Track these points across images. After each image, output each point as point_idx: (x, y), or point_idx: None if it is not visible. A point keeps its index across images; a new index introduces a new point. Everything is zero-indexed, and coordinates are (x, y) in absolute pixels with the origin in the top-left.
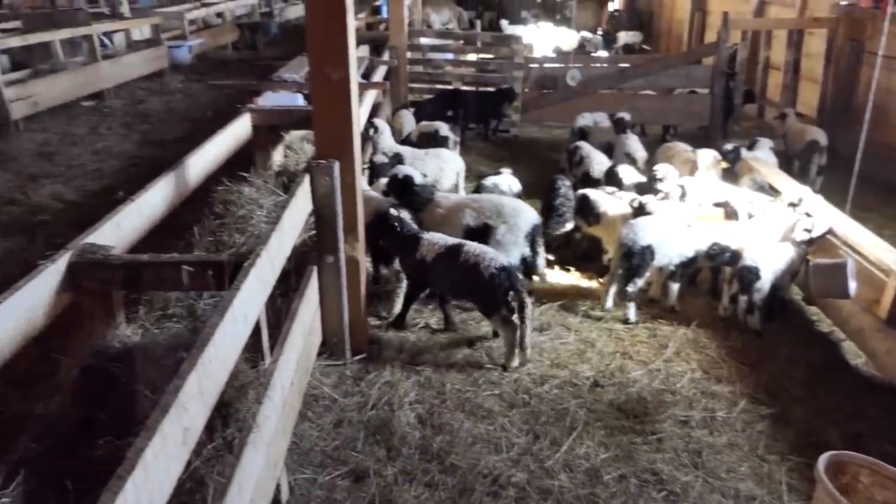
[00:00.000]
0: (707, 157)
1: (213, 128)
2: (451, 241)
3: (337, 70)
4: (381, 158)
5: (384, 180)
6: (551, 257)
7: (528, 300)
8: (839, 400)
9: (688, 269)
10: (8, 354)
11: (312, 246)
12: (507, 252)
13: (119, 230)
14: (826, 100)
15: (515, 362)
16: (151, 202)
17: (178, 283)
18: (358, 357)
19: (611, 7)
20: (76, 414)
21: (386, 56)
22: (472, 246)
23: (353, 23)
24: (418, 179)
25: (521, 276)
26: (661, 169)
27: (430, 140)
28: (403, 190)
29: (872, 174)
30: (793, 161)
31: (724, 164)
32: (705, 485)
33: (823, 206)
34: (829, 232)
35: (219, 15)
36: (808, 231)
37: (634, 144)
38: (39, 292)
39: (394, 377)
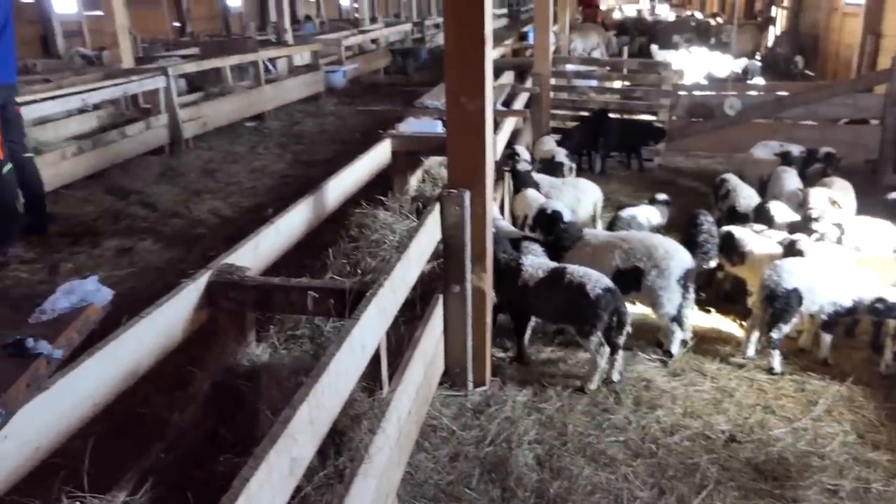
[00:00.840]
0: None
1: (359, 149)
2: (552, 264)
3: (472, 101)
4: (524, 166)
5: (531, 194)
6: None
7: (629, 323)
8: None
9: (844, 319)
10: (146, 367)
11: (440, 274)
12: (658, 298)
13: (257, 251)
14: None
15: (594, 385)
16: (290, 224)
17: (304, 307)
18: (479, 389)
19: (772, 30)
20: (205, 427)
21: (529, 83)
22: (576, 267)
23: (490, 53)
24: (567, 216)
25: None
26: (817, 207)
27: (549, 165)
28: (551, 226)
29: None
30: None
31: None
32: None
33: None
34: None
35: (373, 41)
36: None
37: (790, 179)
38: (180, 309)
39: (514, 413)
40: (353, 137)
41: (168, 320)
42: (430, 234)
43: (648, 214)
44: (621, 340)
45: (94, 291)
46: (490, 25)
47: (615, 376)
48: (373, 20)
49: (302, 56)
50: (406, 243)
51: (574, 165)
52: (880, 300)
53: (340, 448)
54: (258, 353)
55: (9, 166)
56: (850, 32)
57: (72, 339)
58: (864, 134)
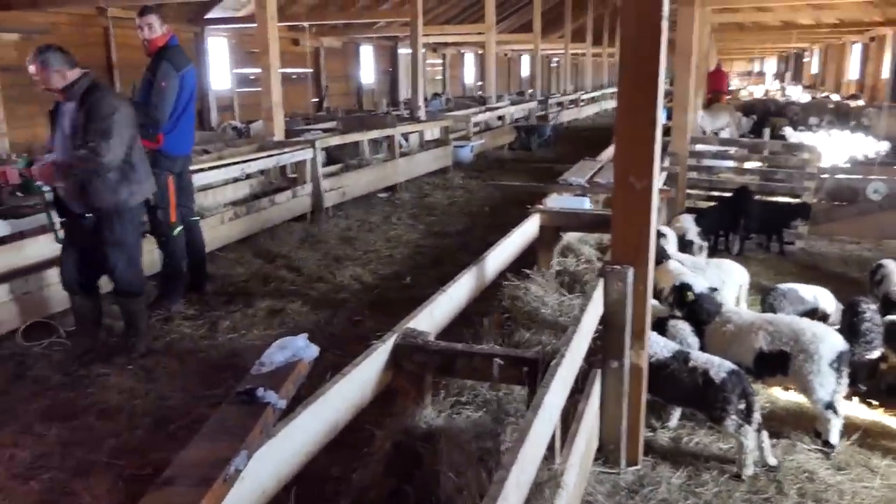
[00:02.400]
0: None
1: (488, 222)
2: (676, 346)
3: (640, 180)
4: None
5: (674, 267)
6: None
7: (758, 405)
8: None
9: None
10: (343, 422)
11: (597, 349)
12: (809, 384)
13: (432, 318)
14: None
15: (750, 471)
16: (459, 293)
17: (488, 374)
18: (632, 468)
19: None
20: (387, 485)
21: (667, 162)
22: (698, 353)
23: (660, 135)
24: (698, 289)
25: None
26: None
27: (679, 244)
28: (681, 299)
29: None
30: None
31: None
32: None
33: None
34: None
35: (500, 118)
36: None
37: None
38: (371, 369)
39: (671, 496)
40: (482, 210)
41: (363, 378)
42: (596, 307)
43: (816, 293)
44: (752, 420)
45: (303, 347)
46: (661, 108)
47: (770, 460)
48: (499, 98)
49: (432, 131)
50: (578, 316)
51: (705, 244)
52: None
53: None
54: (433, 415)
55: (179, 228)
56: None
57: (289, 391)
58: None
